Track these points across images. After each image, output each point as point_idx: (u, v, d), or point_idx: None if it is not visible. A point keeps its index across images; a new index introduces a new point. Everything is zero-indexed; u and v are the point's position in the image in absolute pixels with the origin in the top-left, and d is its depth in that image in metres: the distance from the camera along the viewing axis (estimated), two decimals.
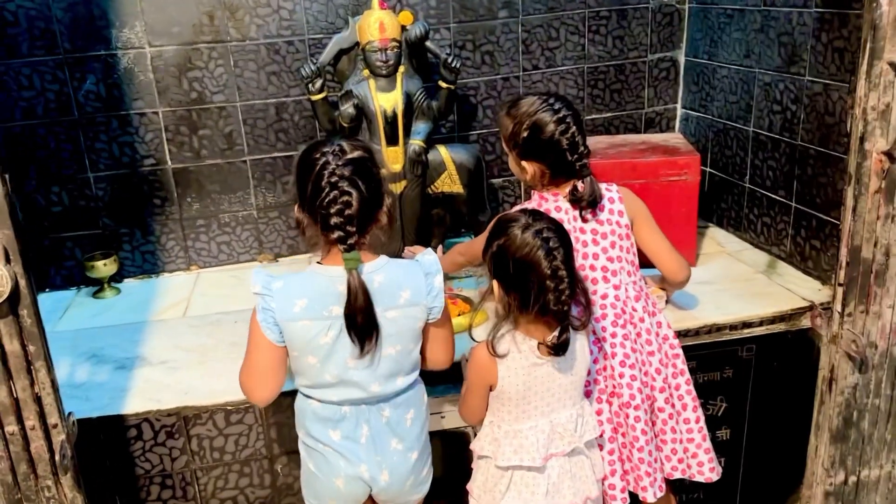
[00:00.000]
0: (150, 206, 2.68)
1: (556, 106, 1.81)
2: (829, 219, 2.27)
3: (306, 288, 1.54)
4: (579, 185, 1.84)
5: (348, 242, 1.48)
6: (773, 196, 2.51)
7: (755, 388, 2.27)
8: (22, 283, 1.33)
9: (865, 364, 1.82)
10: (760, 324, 2.20)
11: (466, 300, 2.28)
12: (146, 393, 2.00)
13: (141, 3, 2.48)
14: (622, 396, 1.79)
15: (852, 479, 1.91)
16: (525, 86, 2.86)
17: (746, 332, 2.20)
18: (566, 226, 1.74)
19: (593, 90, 2.94)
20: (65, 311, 2.53)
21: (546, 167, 1.85)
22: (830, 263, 2.28)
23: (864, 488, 1.95)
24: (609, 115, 3.00)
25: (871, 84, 1.65)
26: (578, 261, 1.82)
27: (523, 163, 1.87)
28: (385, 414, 1.62)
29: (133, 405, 1.95)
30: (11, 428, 1.40)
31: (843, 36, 2.13)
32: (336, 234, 1.47)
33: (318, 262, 1.58)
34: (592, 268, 1.85)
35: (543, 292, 1.53)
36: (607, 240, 1.86)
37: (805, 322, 2.23)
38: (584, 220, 1.85)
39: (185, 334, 2.33)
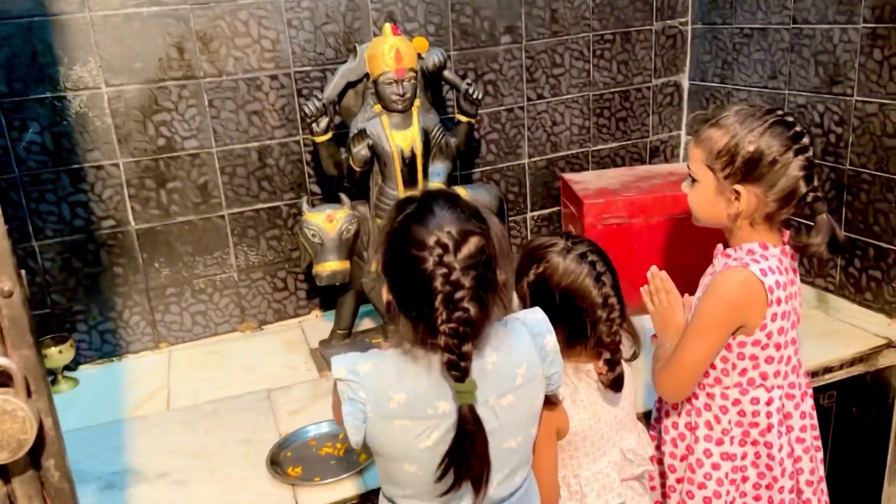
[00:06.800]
0: (110, 276, 2.23)
1: (789, 120, 1.44)
2: (893, 247, 2.11)
3: (403, 375, 1.18)
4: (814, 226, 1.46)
5: (462, 367, 1.12)
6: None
7: (835, 437, 2.07)
8: (47, 423, 0.92)
9: None
10: (841, 367, 2.01)
11: None
12: None
13: (95, 35, 2.05)
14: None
15: None
16: (530, 116, 2.60)
17: (828, 378, 2.00)
18: (792, 288, 1.48)
19: (599, 119, 2.72)
20: None
21: (771, 197, 1.43)
22: None
23: None
24: (615, 144, 2.78)
25: None
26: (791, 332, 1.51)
27: (737, 187, 1.44)
28: None
29: None
30: None
31: None
32: (446, 359, 1.12)
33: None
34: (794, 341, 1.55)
35: (595, 323, 1.38)
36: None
37: (883, 361, 2.05)
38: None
39: (178, 434, 1.90)
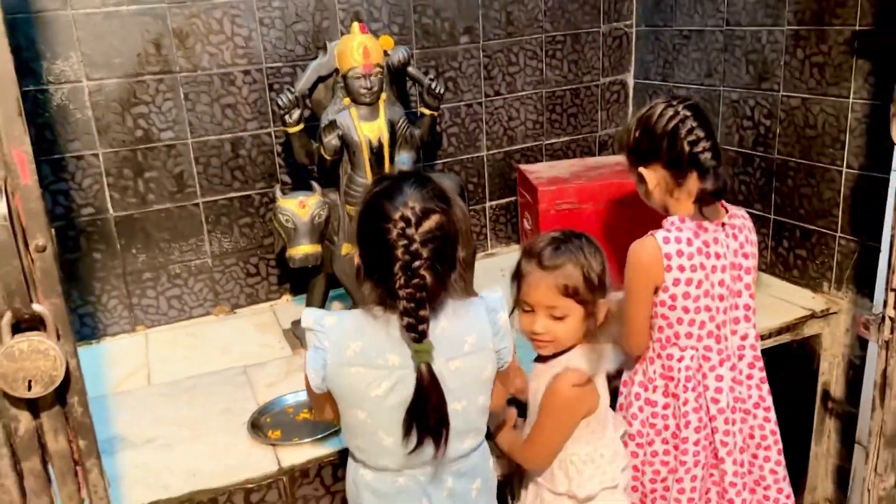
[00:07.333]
0: (89, 261, 2.33)
1: (674, 102, 1.70)
2: (815, 228, 2.33)
3: (362, 329, 1.34)
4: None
5: (419, 330, 1.28)
6: (748, 210, 2.55)
7: None
8: (73, 364, 1.05)
9: None
10: (770, 336, 2.21)
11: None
12: (145, 480, 1.69)
13: (77, 32, 2.16)
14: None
15: None
16: (488, 111, 2.78)
17: (758, 346, 2.20)
18: (717, 261, 1.69)
19: (552, 115, 2.91)
20: None
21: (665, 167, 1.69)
22: (820, 271, 2.34)
23: None
24: (566, 139, 2.97)
25: None
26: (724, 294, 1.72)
27: (641, 170, 1.72)
28: (448, 486, 1.42)
29: (135, 496, 1.64)
30: None
31: (823, 51, 2.21)
32: (405, 322, 1.28)
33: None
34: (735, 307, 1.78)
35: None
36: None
37: (808, 330, 2.27)
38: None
39: (161, 406, 2.01)
